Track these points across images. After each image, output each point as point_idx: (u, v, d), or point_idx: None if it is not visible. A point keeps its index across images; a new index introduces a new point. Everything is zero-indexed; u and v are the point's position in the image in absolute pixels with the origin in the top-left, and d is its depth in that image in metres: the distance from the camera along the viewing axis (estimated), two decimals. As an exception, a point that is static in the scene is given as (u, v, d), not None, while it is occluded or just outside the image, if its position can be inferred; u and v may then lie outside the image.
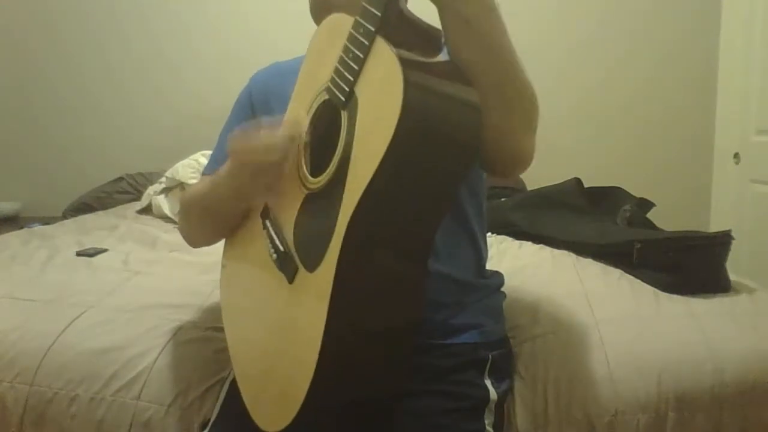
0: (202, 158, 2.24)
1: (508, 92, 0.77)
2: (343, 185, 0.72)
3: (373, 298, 0.75)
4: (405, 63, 0.66)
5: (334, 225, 0.71)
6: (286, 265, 0.81)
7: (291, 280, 0.80)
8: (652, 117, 2.72)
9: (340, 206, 0.71)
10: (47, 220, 2.38)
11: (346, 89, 0.74)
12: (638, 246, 1.43)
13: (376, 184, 0.67)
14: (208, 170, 1.11)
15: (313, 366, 0.71)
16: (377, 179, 0.67)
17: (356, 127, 0.72)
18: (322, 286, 0.72)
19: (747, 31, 2.44)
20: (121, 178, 2.68)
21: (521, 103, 0.79)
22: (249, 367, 0.90)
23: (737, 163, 2.49)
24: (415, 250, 0.76)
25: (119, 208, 2.43)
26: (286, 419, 0.75)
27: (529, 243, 1.77)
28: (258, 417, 0.83)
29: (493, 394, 0.94)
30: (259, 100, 1.10)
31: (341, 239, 0.70)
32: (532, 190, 2.18)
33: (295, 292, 0.79)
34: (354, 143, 0.72)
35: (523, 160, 0.82)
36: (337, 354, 0.72)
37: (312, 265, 0.75)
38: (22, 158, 2.87)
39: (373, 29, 0.70)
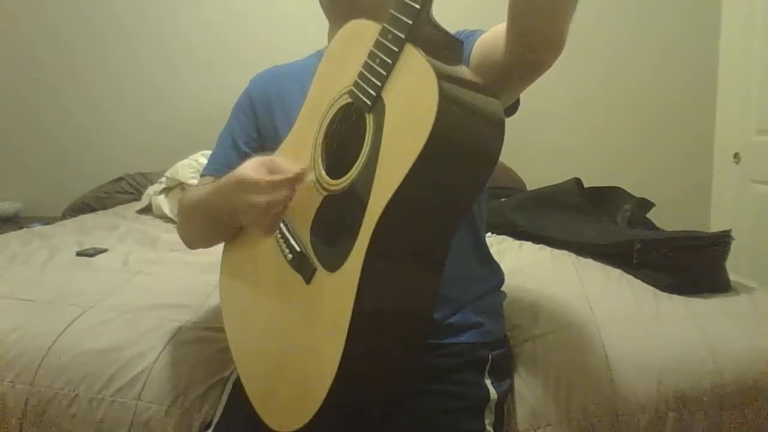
0: (202, 158, 2.24)
1: None
2: (369, 188, 0.72)
3: (396, 298, 0.76)
4: (439, 74, 0.67)
5: (359, 227, 0.72)
6: (302, 266, 0.81)
7: (308, 281, 0.80)
8: (652, 117, 2.72)
9: (365, 209, 0.72)
10: (47, 220, 2.38)
11: (373, 94, 0.74)
12: (638, 246, 1.43)
13: (405, 188, 0.68)
14: (207, 170, 1.11)
15: (336, 365, 0.71)
16: (406, 183, 0.68)
17: (384, 132, 0.73)
18: (346, 287, 0.72)
19: (747, 31, 2.44)
20: (121, 178, 2.68)
21: None
22: (257, 366, 0.89)
23: (737, 162, 2.49)
24: (436, 251, 0.77)
25: (119, 208, 2.43)
26: (303, 419, 0.75)
27: (529, 243, 1.77)
28: (269, 417, 0.83)
29: (493, 394, 0.94)
30: (260, 102, 1.10)
31: (368, 240, 0.71)
32: (532, 190, 2.18)
33: (313, 293, 0.79)
34: (381, 147, 0.72)
35: (561, 44, 0.80)
36: (360, 353, 0.72)
37: (333, 266, 0.76)
38: (22, 158, 2.86)
39: (402, 36, 0.71)
